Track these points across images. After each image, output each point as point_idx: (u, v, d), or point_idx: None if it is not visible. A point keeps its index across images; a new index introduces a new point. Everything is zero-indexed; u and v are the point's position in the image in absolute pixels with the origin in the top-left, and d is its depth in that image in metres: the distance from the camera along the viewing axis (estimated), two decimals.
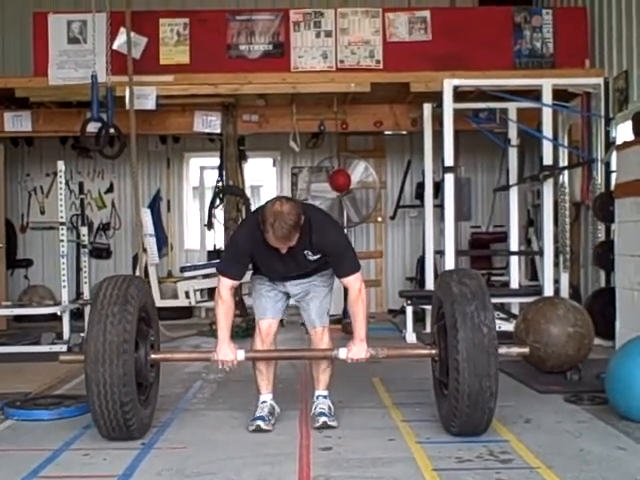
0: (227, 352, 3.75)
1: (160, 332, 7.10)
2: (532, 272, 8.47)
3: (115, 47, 7.31)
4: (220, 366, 3.81)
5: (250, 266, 3.93)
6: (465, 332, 3.45)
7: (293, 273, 3.89)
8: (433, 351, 3.80)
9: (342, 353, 3.79)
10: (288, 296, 4.08)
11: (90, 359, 3.47)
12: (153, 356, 3.77)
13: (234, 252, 3.87)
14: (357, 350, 3.78)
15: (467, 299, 3.53)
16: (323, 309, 4.06)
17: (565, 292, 6.90)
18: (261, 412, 3.91)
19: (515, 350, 3.88)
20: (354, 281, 3.84)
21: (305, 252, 3.76)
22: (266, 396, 4.00)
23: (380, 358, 3.87)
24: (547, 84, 6.82)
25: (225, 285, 3.80)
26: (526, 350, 3.90)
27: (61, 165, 6.79)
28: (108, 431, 3.60)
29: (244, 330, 7.15)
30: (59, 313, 6.58)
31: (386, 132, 9.02)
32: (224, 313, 3.79)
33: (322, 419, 3.86)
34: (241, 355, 3.77)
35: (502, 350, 3.58)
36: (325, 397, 4.01)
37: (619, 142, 6.45)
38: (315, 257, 3.79)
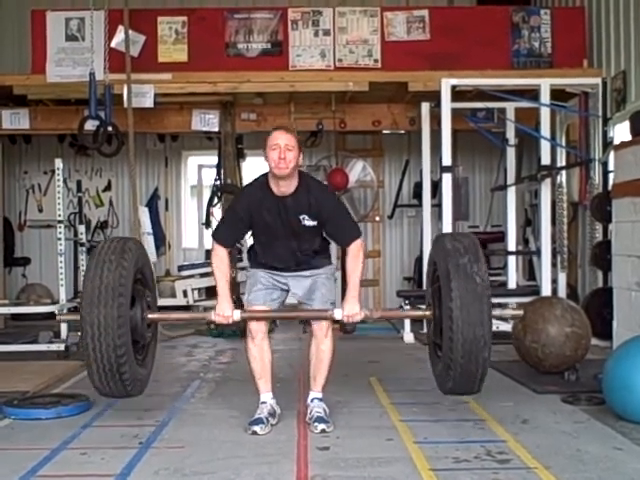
0: (225, 309, 3.79)
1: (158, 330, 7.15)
2: (530, 272, 8.48)
3: (113, 45, 7.33)
4: (218, 320, 3.84)
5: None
6: (458, 282, 3.50)
7: (291, 243, 3.85)
8: (427, 312, 3.84)
9: (337, 314, 3.81)
10: (286, 295, 4.05)
11: (86, 301, 3.50)
12: (150, 316, 3.82)
13: (230, 217, 3.93)
14: (351, 308, 3.79)
15: (460, 253, 3.60)
16: (326, 300, 3.98)
17: (563, 292, 6.92)
18: (260, 414, 3.89)
19: (509, 312, 3.93)
20: (356, 248, 3.84)
21: (301, 217, 3.79)
22: (265, 396, 3.98)
23: (374, 318, 3.94)
24: (545, 84, 6.84)
25: (217, 251, 3.88)
26: (520, 312, 3.95)
27: (59, 163, 6.78)
28: (101, 381, 3.60)
29: (217, 327, 7.19)
30: (57, 312, 6.56)
31: (384, 131, 9.03)
32: (221, 272, 3.85)
33: (320, 427, 3.80)
34: (237, 315, 3.82)
35: (497, 312, 3.64)
36: (320, 400, 3.99)
37: (617, 142, 6.45)
38: (312, 223, 3.80)
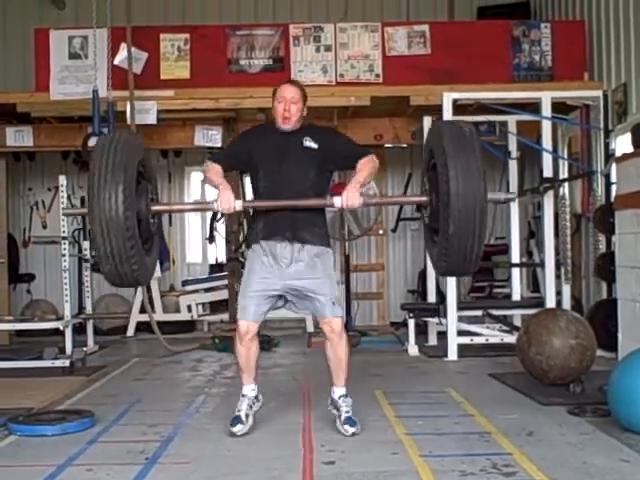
0: (227, 198, 3.82)
1: (162, 346, 7.18)
2: (534, 284, 8.46)
3: (116, 62, 7.35)
4: (222, 208, 3.87)
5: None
6: (456, 156, 3.50)
7: (290, 175, 3.96)
8: (424, 198, 3.84)
9: (337, 202, 3.85)
10: (279, 298, 4.07)
11: (93, 196, 3.47)
12: (154, 207, 3.84)
13: (229, 145, 4.24)
14: (352, 196, 3.80)
15: (456, 138, 3.59)
16: (333, 296, 4.03)
17: (567, 304, 6.90)
18: (239, 411, 4.04)
19: (502, 196, 4.23)
20: (368, 159, 3.98)
21: (304, 139, 4.01)
22: (246, 388, 4.13)
23: (372, 203, 4.03)
24: (546, 97, 6.84)
25: (211, 166, 4.05)
26: (512, 196, 4.02)
27: (62, 180, 6.83)
28: (112, 270, 3.57)
29: (221, 341, 7.24)
30: (61, 328, 6.59)
31: (386, 145, 9.05)
32: (216, 172, 3.99)
33: (351, 430, 3.96)
34: (239, 204, 3.89)
35: (491, 195, 3.71)
36: (347, 396, 4.10)
37: (618, 154, 6.47)
38: (313, 145, 3.99)
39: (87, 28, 7.38)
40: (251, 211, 4.51)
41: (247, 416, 4.05)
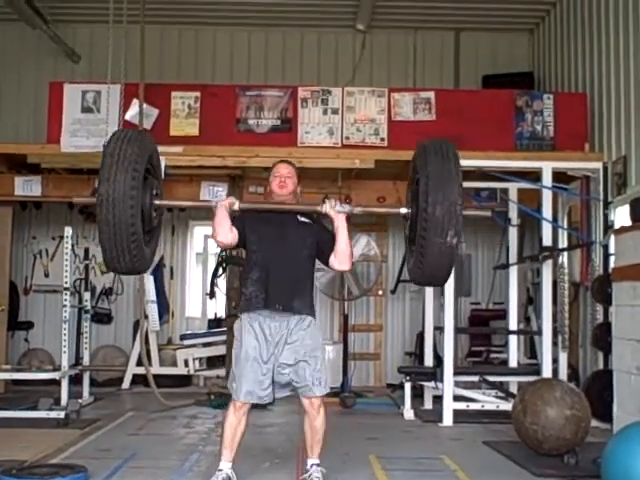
0: (226, 200, 4.11)
1: (157, 400, 7.16)
2: (531, 350, 8.47)
3: (127, 118, 7.51)
4: (224, 204, 4.07)
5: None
6: (435, 164, 3.63)
7: (285, 245, 4.12)
8: (405, 209, 3.94)
9: (325, 205, 4.04)
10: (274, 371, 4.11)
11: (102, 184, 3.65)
12: (157, 202, 3.99)
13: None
14: (338, 204, 4.04)
15: (439, 157, 3.69)
16: (321, 374, 4.13)
17: (563, 372, 6.91)
18: None
19: (478, 212, 4.49)
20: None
21: (299, 216, 4.21)
22: (224, 464, 4.14)
23: (356, 213, 4.18)
24: (547, 167, 6.98)
25: None
26: (488, 214, 4.24)
27: (68, 231, 6.92)
28: (113, 255, 3.71)
29: (217, 398, 7.26)
30: (58, 378, 6.60)
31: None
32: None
33: None
34: (236, 205, 4.10)
35: (469, 212, 3.86)
36: (318, 465, 4.19)
37: (617, 226, 6.56)
38: (307, 220, 4.21)
39: (101, 83, 7.57)
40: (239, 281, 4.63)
41: None
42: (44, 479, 4.12)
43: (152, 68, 8.45)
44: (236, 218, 4.17)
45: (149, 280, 8.80)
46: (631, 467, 3.77)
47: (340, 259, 4.09)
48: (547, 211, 6.94)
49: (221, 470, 4.11)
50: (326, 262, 4.18)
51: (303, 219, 4.22)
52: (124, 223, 3.63)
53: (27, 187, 8.13)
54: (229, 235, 4.09)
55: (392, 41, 9.97)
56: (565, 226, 7.60)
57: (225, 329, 8.48)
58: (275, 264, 4.10)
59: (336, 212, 4.02)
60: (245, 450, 4.23)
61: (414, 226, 3.79)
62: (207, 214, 9.49)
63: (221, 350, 8.60)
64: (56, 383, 6.75)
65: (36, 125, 8.94)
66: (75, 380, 7.32)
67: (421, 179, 3.71)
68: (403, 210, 3.96)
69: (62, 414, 6.19)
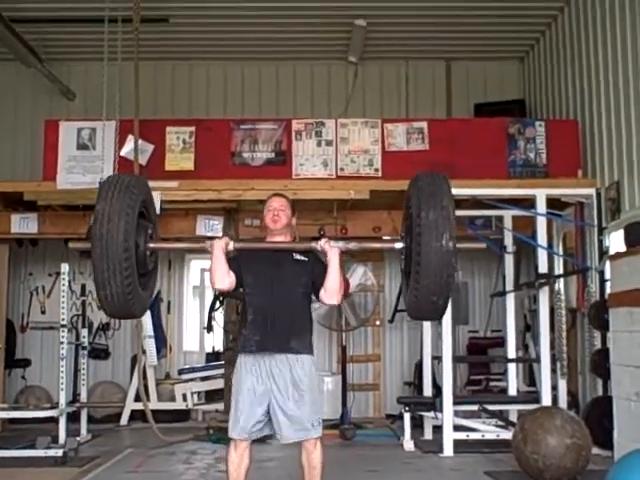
0: (220, 240, 4.09)
1: (156, 436, 7.12)
2: (530, 377, 8.46)
3: (123, 154, 7.56)
4: (217, 244, 4.06)
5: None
6: (425, 180, 3.70)
7: (280, 285, 4.12)
8: (400, 243, 3.94)
9: (319, 243, 4.05)
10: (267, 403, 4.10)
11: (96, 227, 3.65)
12: (151, 245, 3.98)
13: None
14: (331, 243, 4.06)
15: (431, 190, 3.69)
16: (318, 415, 4.12)
17: (563, 399, 6.89)
18: None
19: (471, 245, 4.59)
20: None
21: (294, 254, 4.19)
22: None
23: (350, 247, 4.20)
24: (541, 194, 7.01)
25: None
26: (483, 245, 4.28)
27: (65, 267, 6.93)
28: (109, 302, 3.71)
29: (215, 432, 7.25)
30: (56, 416, 6.56)
31: (384, 237, 9.17)
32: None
33: None
34: (231, 245, 4.07)
35: (463, 244, 3.91)
36: None
37: (612, 252, 6.59)
38: (302, 258, 4.19)
39: (96, 120, 7.63)
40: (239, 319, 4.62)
41: None
42: None
43: (146, 103, 8.48)
44: (232, 259, 4.17)
45: (146, 315, 8.78)
46: None
47: (329, 294, 4.10)
48: (542, 238, 6.96)
49: None
50: (317, 295, 4.19)
51: (298, 257, 4.21)
52: (118, 266, 3.62)
53: (24, 224, 8.14)
54: (226, 280, 4.09)
55: (384, 72, 10.09)
56: (561, 252, 7.62)
57: (223, 362, 8.45)
58: (270, 306, 4.09)
59: (330, 247, 4.04)
60: None
61: (409, 260, 3.81)
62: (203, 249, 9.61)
63: (219, 384, 8.56)
64: (54, 420, 6.73)
65: (32, 162, 8.98)
66: (73, 417, 7.28)
67: (412, 193, 3.77)
68: (398, 245, 3.96)
69: (60, 452, 6.15)
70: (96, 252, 3.66)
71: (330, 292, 4.09)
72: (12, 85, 9.83)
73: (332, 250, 4.04)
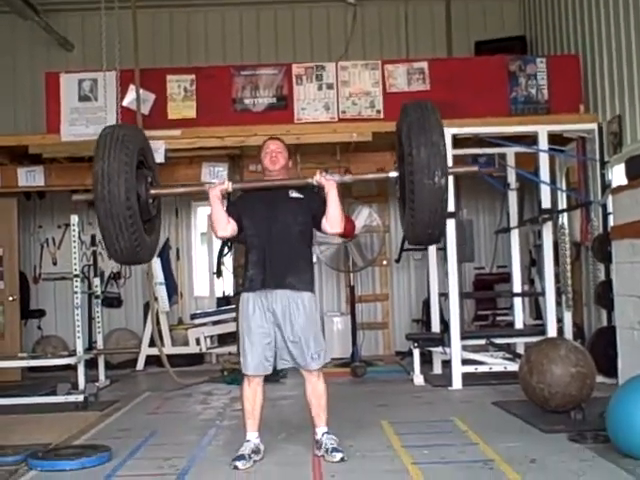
0: (219, 182, 4.27)
1: (172, 379, 7.31)
2: (537, 311, 8.61)
3: (125, 104, 7.58)
4: (217, 187, 4.22)
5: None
6: (418, 132, 3.77)
7: (276, 224, 4.24)
8: (394, 173, 4.11)
9: (314, 178, 4.22)
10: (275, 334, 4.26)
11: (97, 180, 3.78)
12: (152, 192, 4.14)
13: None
14: (325, 175, 4.24)
15: (419, 117, 3.85)
16: (319, 348, 4.28)
17: (569, 331, 7.04)
18: (243, 451, 4.21)
19: (462, 169, 4.91)
20: None
21: (290, 192, 4.32)
22: (251, 434, 4.31)
23: (346, 181, 4.42)
24: (542, 130, 7.04)
25: None
26: (475, 169, 4.60)
27: (74, 219, 7.02)
28: (117, 247, 3.86)
29: (230, 374, 7.46)
30: (74, 363, 6.74)
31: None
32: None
33: (338, 455, 4.17)
34: (230, 187, 4.24)
35: (453, 169, 4.20)
36: (329, 433, 4.33)
37: (614, 185, 6.65)
38: (298, 195, 4.31)
39: (96, 71, 7.63)
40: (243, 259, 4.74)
41: (250, 457, 4.19)
42: (70, 460, 4.27)
43: (145, 52, 8.43)
44: (230, 204, 4.33)
45: (156, 262, 8.91)
46: (634, 417, 3.90)
47: (332, 222, 4.24)
48: (544, 174, 7.01)
49: (249, 441, 4.27)
50: (318, 227, 4.32)
51: (294, 194, 4.32)
52: (122, 214, 3.76)
53: (30, 177, 8.21)
54: (228, 228, 4.25)
55: (383, 12, 10.01)
56: (563, 187, 7.68)
57: (234, 306, 8.61)
58: (269, 244, 4.23)
59: (326, 179, 4.18)
60: (261, 422, 4.37)
61: (404, 187, 3.91)
62: (207, 194, 9.68)
63: (231, 327, 8.72)
64: (71, 368, 6.91)
65: (34, 115, 9.01)
66: (90, 364, 7.47)
67: (403, 127, 3.85)
68: (392, 174, 4.11)
69: (81, 397, 6.34)
70: (100, 212, 3.80)
71: (332, 220, 4.22)
72: (9, 38, 9.79)
73: (329, 182, 4.19)
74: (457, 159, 7.22)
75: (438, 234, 4.03)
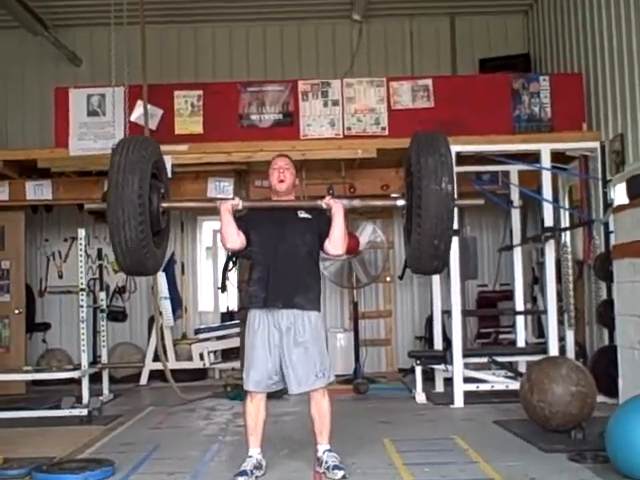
0: (230, 200, 4.33)
1: (175, 394, 7.34)
2: (539, 329, 8.62)
3: (133, 119, 7.66)
4: (228, 204, 4.29)
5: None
6: (423, 135, 3.96)
7: (285, 243, 4.29)
8: (401, 202, 4.16)
9: (324, 201, 4.30)
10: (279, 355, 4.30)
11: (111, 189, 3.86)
12: (164, 204, 4.18)
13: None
14: (335, 200, 4.31)
15: (430, 149, 3.89)
16: (323, 367, 4.33)
17: (571, 350, 7.05)
18: (245, 466, 4.25)
19: (468, 202, 4.96)
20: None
21: (298, 212, 4.39)
22: (253, 450, 4.35)
23: (354, 204, 4.46)
24: (546, 148, 7.10)
25: None
26: (481, 202, 4.67)
27: (81, 232, 7.09)
28: (125, 259, 3.92)
29: (233, 389, 7.47)
30: (78, 377, 6.79)
31: (393, 195, 9.27)
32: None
33: (340, 473, 4.19)
34: (240, 205, 4.31)
35: (458, 201, 4.12)
36: (330, 450, 4.37)
37: (616, 204, 6.68)
38: (307, 216, 4.37)
39: (104, 86, 7.72)
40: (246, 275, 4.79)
41: (252, 472, 4.23)
42: (74, 474, 4.30)
43: (153, 68, 8.53)
44: (239, 219, 4.35)
45: (161, 277, 8.97)
46: (633, 438, 3.92)
47: (334, 244, 4.30)
48: (547, 192, 7.06)
49: (251, 456, 4.32)
50: (321, 247, 4.38)
51: (303, 215, 4.39)
52: (133, 222, 3.81)
53: (38, 191, 8.27)
54: (237, 240, 4.29)
55: (388, 29, 10.08)
56: (566, 206, 7.72)
57: (238, 321, 8.65)
58: (275, 263, 4.28)
59: (334, 202, 4.25)
60: (264, 438, 4.40)
61: (410, 216, 3.96)
62: (214, 209, 9.75)
63: (235, 342, 8.77)
64: (75, 382, 6.96)
65: (42, 130, 9.07)
66: (94, 378, 7.50)
67: (412, 148, 3.94)
68: (400, 202, 4.14)
69: (85, 411, 6.38)
70: (111, 197, 3.85)
71: (334, 242, 4.28)
72: (18, 53, 9.87)
73: (337, 205, 4.25)
74: (460, 177, 7.26)
75: (444, 249, 3.94)
